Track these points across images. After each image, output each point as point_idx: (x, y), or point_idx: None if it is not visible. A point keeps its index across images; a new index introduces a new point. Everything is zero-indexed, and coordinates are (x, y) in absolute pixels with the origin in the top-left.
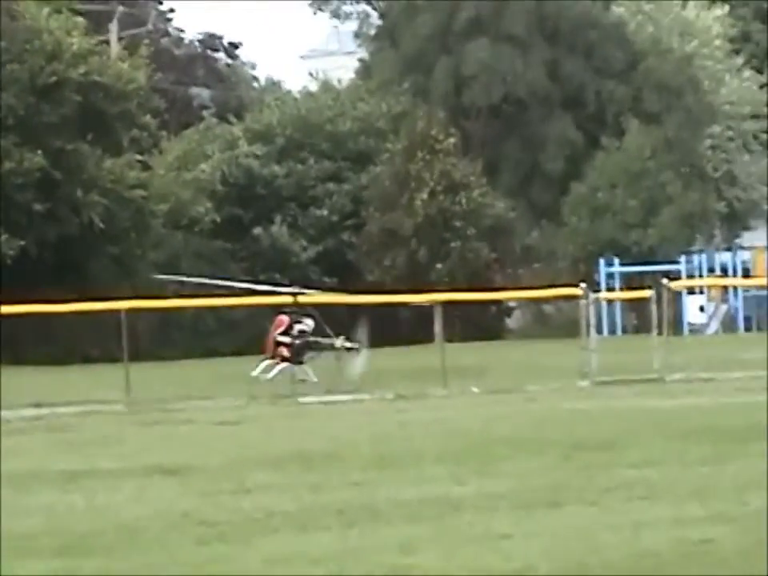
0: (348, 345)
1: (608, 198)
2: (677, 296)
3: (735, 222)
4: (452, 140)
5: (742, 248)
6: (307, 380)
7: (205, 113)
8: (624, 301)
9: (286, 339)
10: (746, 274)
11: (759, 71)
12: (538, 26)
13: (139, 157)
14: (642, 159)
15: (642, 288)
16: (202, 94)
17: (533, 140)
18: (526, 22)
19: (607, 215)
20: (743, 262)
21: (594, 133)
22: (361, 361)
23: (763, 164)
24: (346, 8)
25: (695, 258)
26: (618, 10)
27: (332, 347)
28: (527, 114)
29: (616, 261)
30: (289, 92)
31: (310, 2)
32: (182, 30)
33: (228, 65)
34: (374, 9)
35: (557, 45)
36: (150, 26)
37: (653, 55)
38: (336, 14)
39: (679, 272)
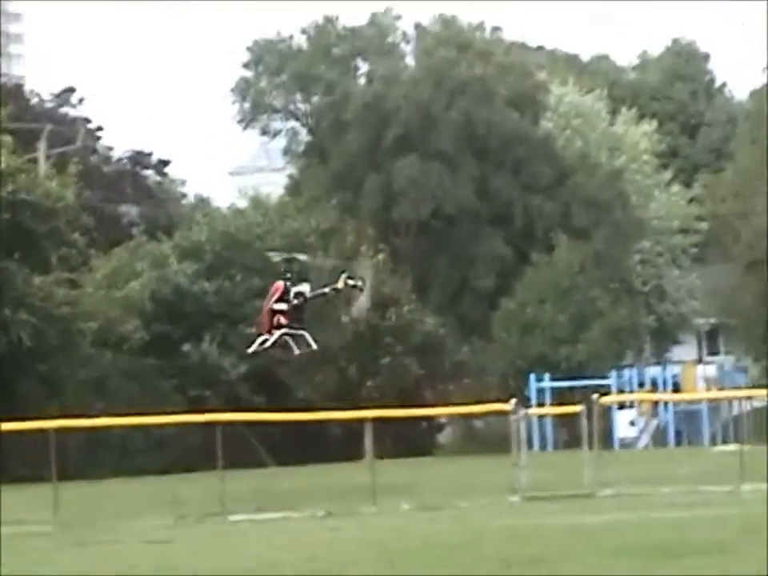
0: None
1: (537, 313)
2: (607, 411)
3: (665, 336)
4: (381, 256)
5: (672, 362)
6: (307, 349)
7: (134, 230)
8: (554, 416)
9: (283, 306)
10: (676, 389)
11: (687, 186)
12: (467, 142)
13: (68, 275)
14: (571, 274)
15: (572, 403)
16: (131, 211)
17: (462, 256)
18: (454, 139)
19: (537, 330)
20: (673, 377)
21: (523, 248)
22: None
23: (692, 278)
24: (276, 124)
25: (625, 373)
26: (546, 125)
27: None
28: (456, 230)
29: (546, 376)
30: (218, 208)
31: (239, 118)
32: (110, 148)
33: (157, 182)
34: (303, 125)
35: (485, 161)
36: (78, 144)
37: (581, 170)
38: (265, 131)
39: (609, 387)
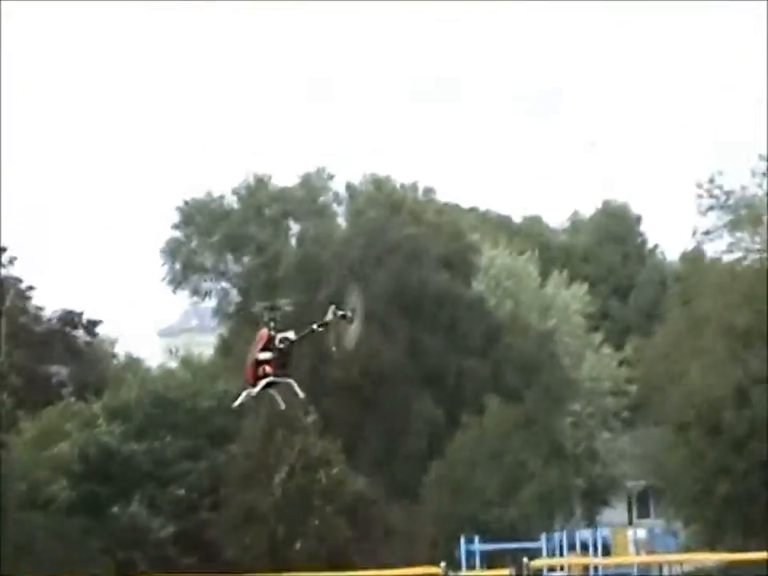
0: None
1: (468, 475)
2: (537, 574)
3: (595, 498)
4: (311, 417)
5: (603, 525)
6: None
7: (63, 390)
8: None
9: (268, 354)
10: (607, 552)
11: (618, 348)
12: (398, 303)
13: None
14: (501, 436)
15: (502, 566)
16: (60, 371)
17: (393, 417)
18: (385, 299)
19: (467, 493)
20: (604, 539)
21: (454, 409)
22: None
23: (624, 441)
24: (206, 285)
25: (556, 536)
26: (478, 286)
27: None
28: (387, 391)
29: (476, 538)
30: (148, 369)
31: (169, 278)
32: (40, 308)
33: (87, 342)
34: (234, 286)
35: (417, 321)
36: (7, 304)
37: (512, 331)
38: (196, 291)
39: (540, 549)
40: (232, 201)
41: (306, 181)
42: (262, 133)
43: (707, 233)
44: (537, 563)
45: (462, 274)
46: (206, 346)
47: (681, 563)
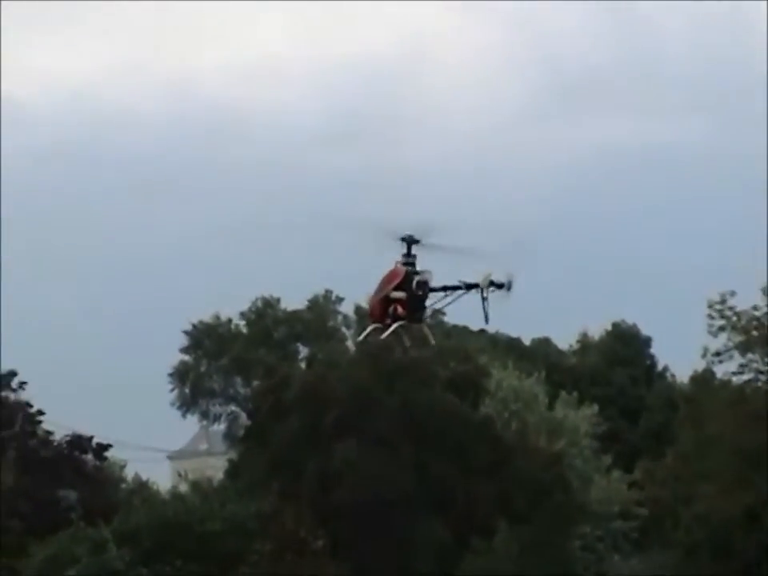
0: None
1: None
2: None
3: None
4: (320, 541)
5: None
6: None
7: (72, 514)
8: None
9: (401, 294)
10: None
11: (628, 470)
12: (405, 426)
13: (5, 560)
14: (511, 560)
15: None
16: (69, 495)
17: (401, 541)
18: (393, 422)
19: None
20: None
21: (463, 533)
22: None
23: (633, 563)
24: (215, 409)
25: None
26: (486, 408)
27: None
28: (395, 515)
29: None
30: (157, 492)
31: (178, 403)
32: (50, 432)
33: (96, 466)
34: (243, 410)
35: (424, 444)
36: (16, 429)
37: (521, 454)
38: (205, 415)
39: None
40: (240, 324)
41: (315, 304)
42: (270, 256)
43: (717, 354)
44: None
45: (470, 397)
46: (215, 470)
47: None
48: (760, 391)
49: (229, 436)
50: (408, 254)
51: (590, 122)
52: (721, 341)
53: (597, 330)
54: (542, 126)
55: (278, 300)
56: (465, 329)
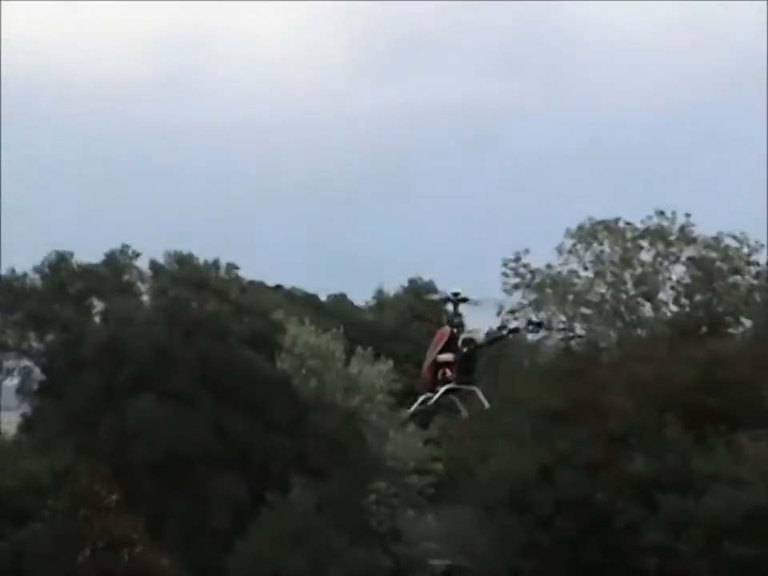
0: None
1: (273, 554)
2: None
3: None
4: (115, 497)
5: None
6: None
7: None
8: None
9: (449, 356)
10: None
11: (424, 426)
12: (202, 382)
13: None
14: (307, 515)
15: None
16: None
17: (197, 496)
18: (190, 378)
19: (273, 572)
20: None
21: (259, 489)
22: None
23: (429, 519)
24: (8, 363)
25: None
26: (282, 365)
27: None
28: (192, 470)
29: None
30: None
31: None
32: None
33: None
34: (37, 364)
35: (221, 400)
36: None
37: (317, 410)
38: None
39: None
40: (35, 278)
41: (111, 258)
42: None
43: (512, 311)
44: None
45: (266, 352)
46: (8, 425)
47: None
48: (555, 349)
49: (22, 391)
50: (455, 313)
51: None
52: (516, 298)
53: (393, 287)
54: None
55: (72, 254)
56: (261, 284)
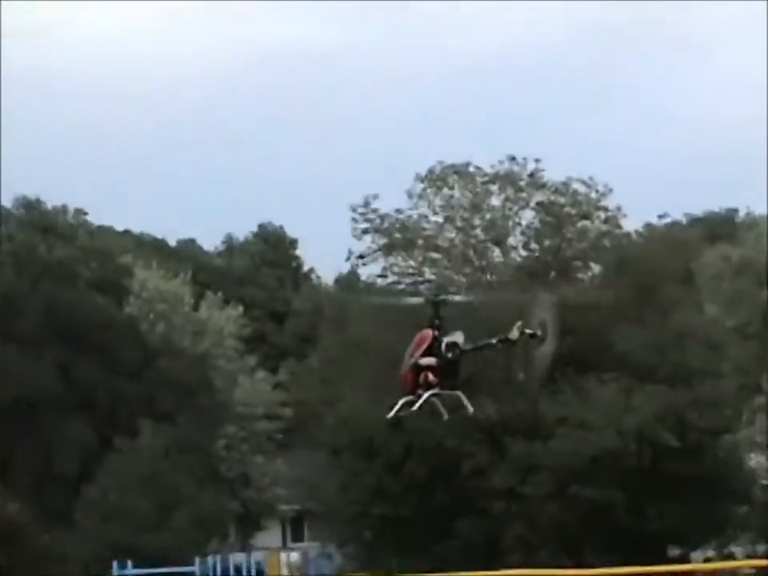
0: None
1: (120, 499)
2: None
3: (250, 522)
4: None
5: (257, 549)
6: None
7: None
8: None
9: (432, 360)
10: None
11: (273, 372)
12: (50, 326)
13: None
14: (155, 460)
15: None
16: None
17: (44, 441)
18: (36, 323)
19: (120, 516)
20: (257, 563)
21: (107, 433)
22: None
23: (277, 465)
24: None
25: (209, 560)
26: (130, 309)
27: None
28: (38, 415)
29: (129, 564)
30: None
31: None
32: None
33: None
34: None
35: (69, 345)
36: None
37: (166, 354)
38: None
39: (194, 574)
40: None
41: None
42: None
43: (362, 256)
44: None
45: (114, 297)
46: None
47: None
48: (404, 294)
49: None
50: (436, 316)
51: None
52: (365, 243)
53: (242, 231)
54: None
55: None
56: (110, 229)
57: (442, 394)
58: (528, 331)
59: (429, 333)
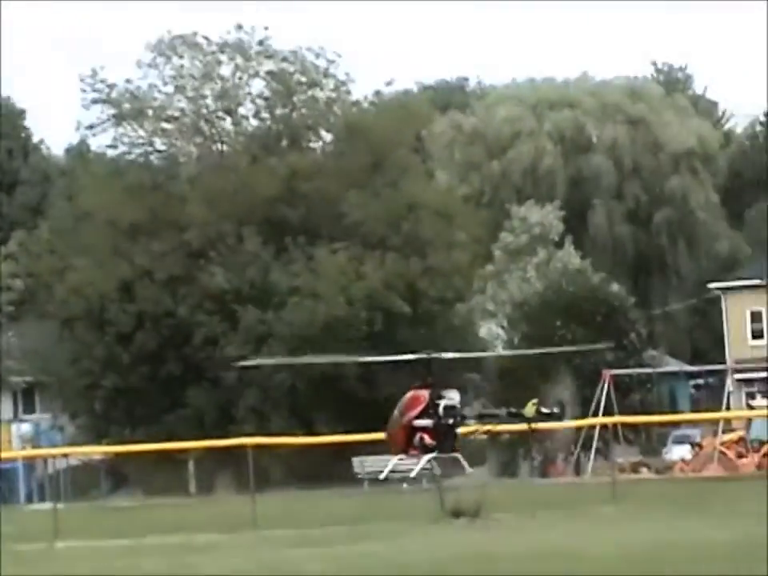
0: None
1: None
2: None
3: None
4: None
5: None
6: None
7: None
8: None
9: (427, 422)
10: None
11: (3, 242)
12: None
13: None
14: None
15: None
16: None
17: None
18: None
19: None
20: None
21: None
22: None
23: (8, 336)
24: None
25: None
26: None
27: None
28: None
29: None
30: None
31: None
32: None
33: None
34: None
35: None
36: None
37: None
38: None
39: None
40: None
41: None
42: None
43: (91, 127)
44: None
45: None
46: None
47: (66, 456)
48: (134, 164)
49: None
50: (429, 373)
51: None
52: (94, 114)
53: None
54: None
55: None
56: None
57: (441, 457)
58: (544, 410)
59: (424, 394)
